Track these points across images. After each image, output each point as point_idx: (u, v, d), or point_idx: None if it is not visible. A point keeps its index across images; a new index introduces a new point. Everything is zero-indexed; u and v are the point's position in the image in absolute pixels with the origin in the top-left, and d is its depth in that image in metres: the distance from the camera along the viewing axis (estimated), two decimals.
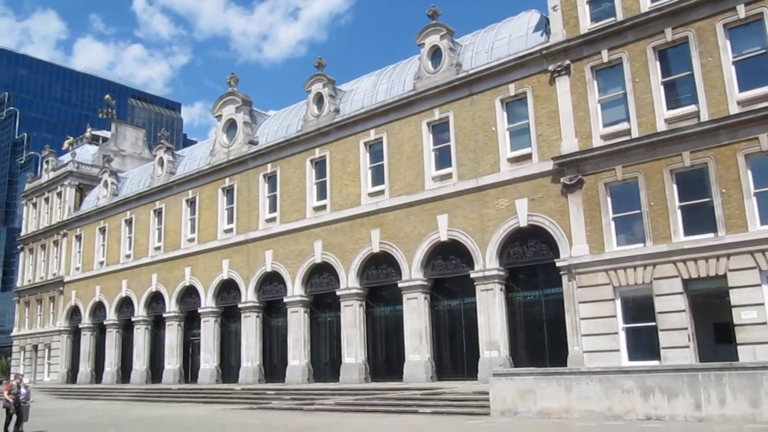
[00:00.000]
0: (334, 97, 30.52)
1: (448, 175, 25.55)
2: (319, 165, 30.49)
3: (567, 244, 21.86)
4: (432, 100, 26.32)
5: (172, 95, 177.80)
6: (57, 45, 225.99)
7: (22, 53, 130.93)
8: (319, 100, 30.73)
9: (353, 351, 27.50)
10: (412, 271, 25.86)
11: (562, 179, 22.16)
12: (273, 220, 32.01)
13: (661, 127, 20.42)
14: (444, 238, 25.16)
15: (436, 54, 26.74)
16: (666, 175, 20.13)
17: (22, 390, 17.34)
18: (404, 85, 27.98)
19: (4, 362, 58.47)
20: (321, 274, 29.84)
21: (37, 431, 18.26)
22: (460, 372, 24.74)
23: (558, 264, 22.02)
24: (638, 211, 20.65)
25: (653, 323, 19.81)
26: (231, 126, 35.43)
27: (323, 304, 30.16)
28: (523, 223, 23.07)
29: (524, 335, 23.67)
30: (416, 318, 25.61)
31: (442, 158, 26.07)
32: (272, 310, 32.30)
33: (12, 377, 18.08)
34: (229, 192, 34.87)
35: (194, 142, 52.82)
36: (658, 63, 21.00)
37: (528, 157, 23.49)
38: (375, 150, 28.40)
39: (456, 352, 25.53)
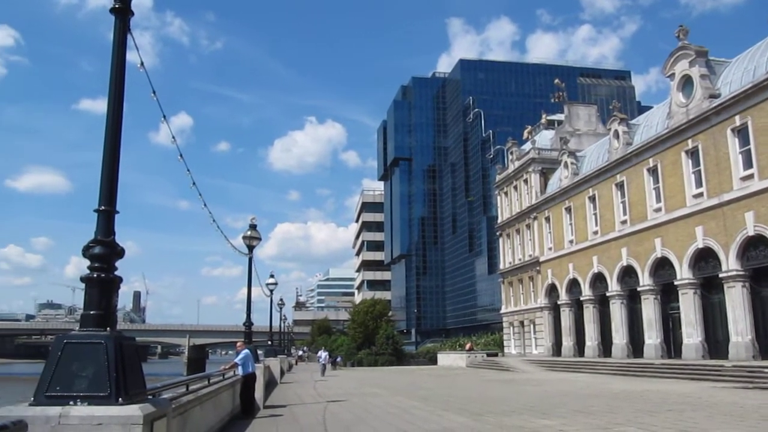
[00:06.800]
0: None
1: None
2: None
3: None
4: None
5: (624, 66, 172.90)
6: (512, 46, 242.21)
7: (478, 59, 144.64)
8: None
9: None
10: None
11: None
12: (750, 177, 28.38)
13: None
14: None
15: None
16: None
17: None
18: None
19: (497, 336, 65.29)
20: None
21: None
22: None
23: None
24: None
25: None
26: (686, 83, 32.74)
27: None
28: None
29: None
30: None
31: None
32: (762, 278, 28.62)
33: None
34: (693, 154, 32.26)
35: (650, 109, 50.31)
36: None
37: None
38: None
39: None
